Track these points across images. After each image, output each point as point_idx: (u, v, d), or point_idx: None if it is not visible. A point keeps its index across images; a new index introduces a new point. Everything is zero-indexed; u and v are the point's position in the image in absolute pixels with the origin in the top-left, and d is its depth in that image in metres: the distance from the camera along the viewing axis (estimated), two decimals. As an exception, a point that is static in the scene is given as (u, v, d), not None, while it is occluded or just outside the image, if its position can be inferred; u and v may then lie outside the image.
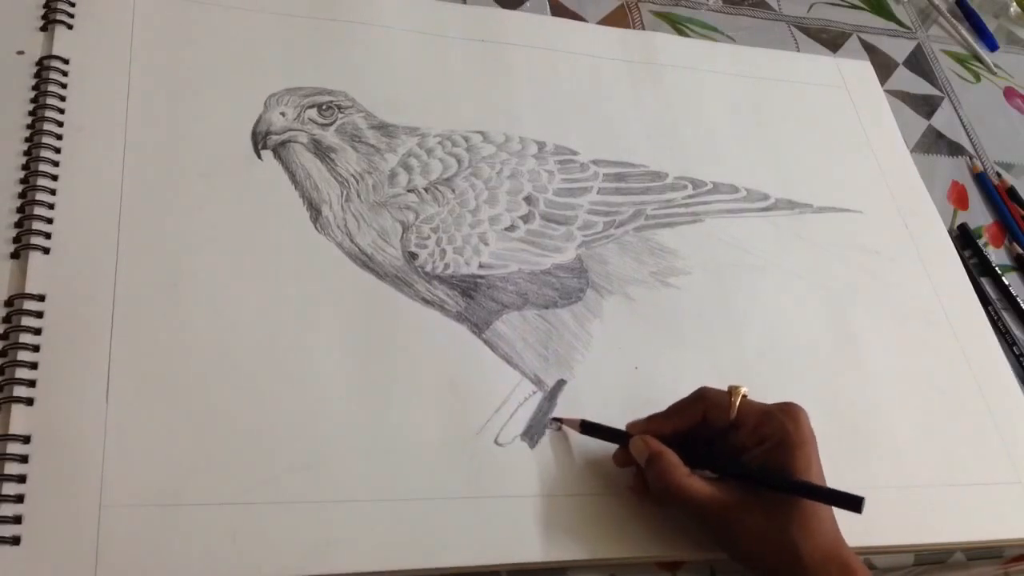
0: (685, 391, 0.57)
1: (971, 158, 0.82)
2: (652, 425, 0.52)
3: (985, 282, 0.73)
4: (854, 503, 0.47)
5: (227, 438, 0.48)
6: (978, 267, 0.75)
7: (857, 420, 0.60)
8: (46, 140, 0.54)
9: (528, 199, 0.63)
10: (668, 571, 0.52)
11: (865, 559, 0.53)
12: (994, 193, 0.80)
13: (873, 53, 0.87)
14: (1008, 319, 0.72)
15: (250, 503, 0.47)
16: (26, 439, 0.45)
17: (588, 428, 0.53)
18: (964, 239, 0.76)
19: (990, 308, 0.71)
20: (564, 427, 0.54)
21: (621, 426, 0.53)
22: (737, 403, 0.50)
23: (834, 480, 0.49)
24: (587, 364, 0.57)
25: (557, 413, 0.54)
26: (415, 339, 0.55)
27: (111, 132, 0.56)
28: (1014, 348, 0.69)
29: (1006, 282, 0.74)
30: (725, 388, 0.51)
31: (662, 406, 0.55)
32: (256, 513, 0.46)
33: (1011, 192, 0.80)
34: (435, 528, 0.49)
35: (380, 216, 0.59)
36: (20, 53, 0.57)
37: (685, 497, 0.48)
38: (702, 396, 0.52)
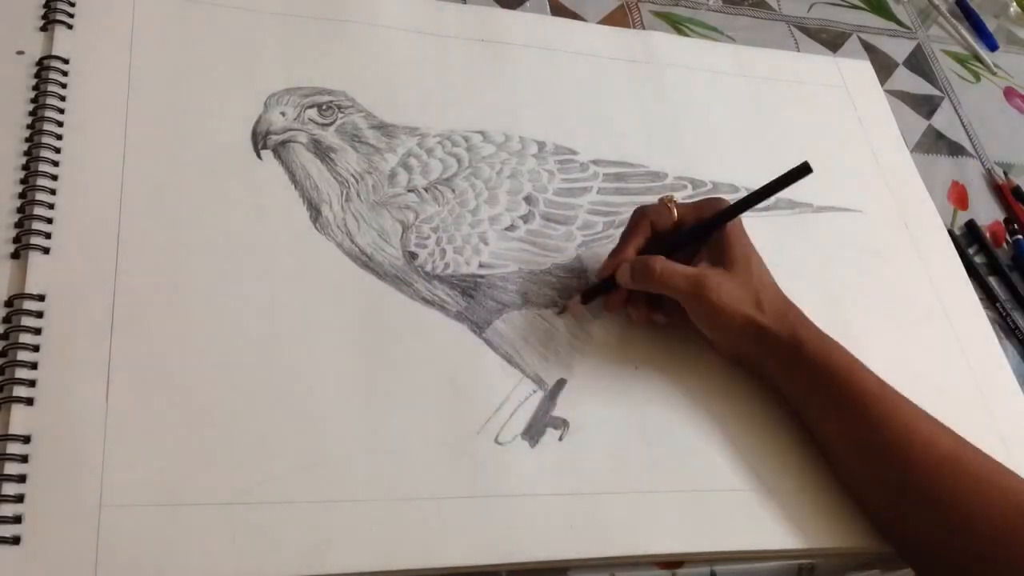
0: (685, 391, 0.57)
1: (985, 165, 0.82)
2: (618, 256, 0.57)
3: (992, 281, 0.74)
4: (802, 170, 0.55)
5: (227, 438, 0.48)
6: (984, 266, 0.75)
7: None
8: (46, 140, 0.54)
9: (528, 199, 0.63)
10: (668, 571, 0.52)
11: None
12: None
13: (873, 53, 0.87)
14: (1017, 317, 0.72)
15: (250, 503, 0.47)
16: (26, 439, 0.45)
17: (585, 296, 0.58)
18: (972, 236, 0.76)
19: (998, 305, 0.71)
20: (569, 310, 0.58)
21: (621, 426, 0.53)
22: (673, 206, 0.58)
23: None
24: (587, 364, 0.57)
25: (557, 413, 0.54)
26: (415, 339, 0.55)
27: (111, 132, 0.56)
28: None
29: (1014, 281, 0.74)
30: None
31: (662, 406, 0.55)
32: (256, 513, 0.46)
33: (1016, 191, 0.81)
34: (435, 528, 0.49)
35: (380, 216, 0.59)
36: (20, 53, 0.57)
37: (671, 275, 0.55)
38: (643, 212, 0.59)
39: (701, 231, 0.58)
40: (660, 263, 0.55)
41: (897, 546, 0.54)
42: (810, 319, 0.57)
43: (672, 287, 0.55)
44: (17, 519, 0.43)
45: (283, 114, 0.60)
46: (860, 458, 0.55)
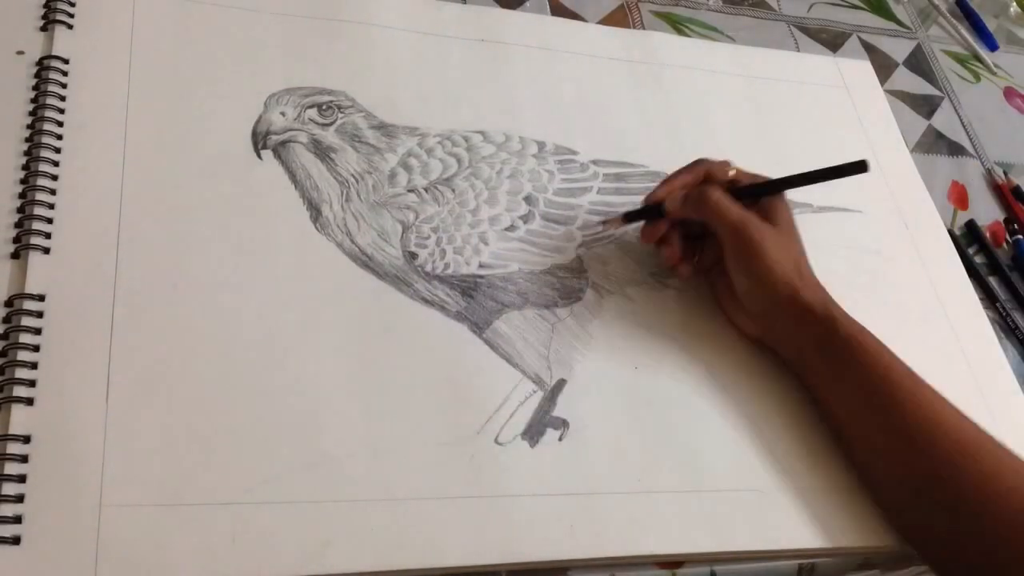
0: (685, 391, 0.57)
1: (985, 165, 0.82)
2: (671, 182, 0.59)
3: (992, 281, 0.74)
4: (860, 166, 0.56)
5: (227, 438, 0.48)
6: (984, 266, 0.75)
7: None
8: (46, 140, 0.54)
9: (528, 199, 0.63)
10: (668, 571, 0.52)
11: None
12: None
13: (873, 53, 0.87)
14: (1017, 317, 0.72)
15: (250, 503, 0.47)
16: (26, 439, 0.45)
17: (628, 217, 0.60)
18: (972, 236, 0.76)
19: (998, 305, 0.72)
20: (609, 226, 0.61)
21: (621, 426, 0.53)
22: (731, 167, 0.59)
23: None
24: (587, 364, 0.57)
25: (557, 413, 0.54)
26: (415, 339, 0.55)
27: (111, 132, 0.56)
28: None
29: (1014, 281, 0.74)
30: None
31: (662, 406, 0.55)
32: (256, 513, 0.46)
33: (1016, 191, 0.81)
34: (435, 528, 0.49)
35: (380, 216, 0.59)
36: (20, 53, 0.57)
37: (724, 207, 0.56)
38: (702, 160, 0.60)
39: (751, 192, 0.59)
40: (718, 192, 0.56)
41: (912, 537, 0.54)
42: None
43: (723, 216, 0.56)
44: (17, 519, 0.43)
45: (283, 114, 0.60)
46: (884, 442, 0.54)
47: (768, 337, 0.59)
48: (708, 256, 0.61)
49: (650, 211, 0.60)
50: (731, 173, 0.59)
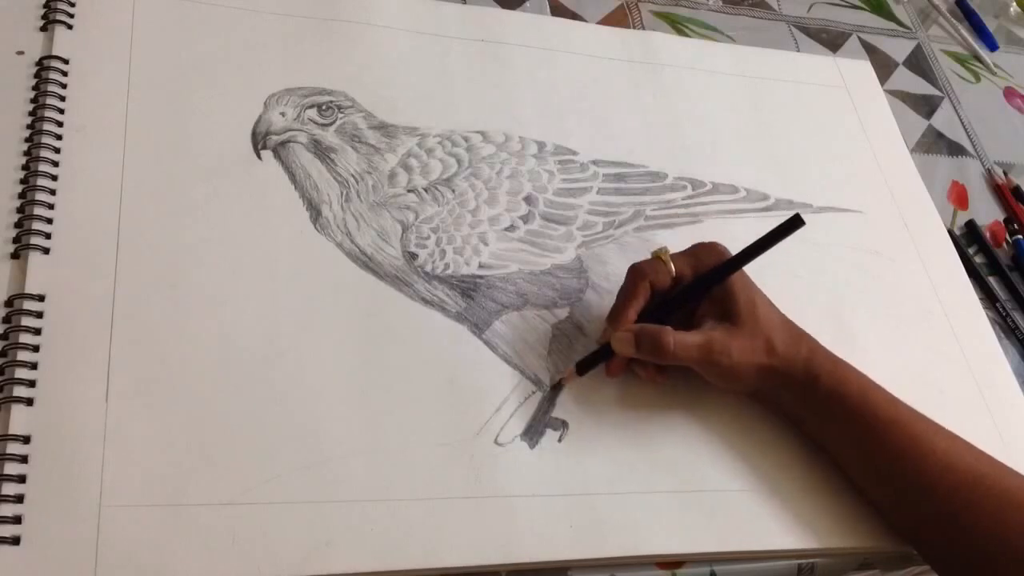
0: (684, 391, 0.57)
1: (985, 165, 0.82)
2: (619, 320, 0.55)
3: (992, 281, 0.74)
4: (795, 222, 0.54)
5: (227, 438, 0.48)
6: (984, 266, 0.75)
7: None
8: (46, 140, 0.54)
9: (528, 199, 0.63)
10: (668, 571, 0.52)
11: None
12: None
13: (873, 53, 0.87)
14: (1017, 317, 0.72)
15: (250, 503, 0.47)
16: (26, 439, 0.45)
17: (581, 367, 0.55)
18: (972, 236, 0.76)
19: (998, 305, 0.72)
20: (565, 384, 0.55)
21: (620, 426, 0.53)
22: (669, 260, 0.56)
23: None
24: (587, 364, 0.57)
25: (557, 413, 0.54)
26: (415, 339, 0.55)
27: (111, 132, 0.56)
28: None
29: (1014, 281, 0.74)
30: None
31: (662, 406, 0.55)
32: (256, 513, 0.46)
33: (1016, 191, 0.80)
34: (435, 528, 0.49)
35: (380, 216, 0.59)
36: (20, 53, 0.57)
37: (683, 347, 0.53)
38: (640, 271, 0.56)
39: (700, 290, 0.56)
40: (671, 337, 0.53)
41: (929, 563, 0.54)
42: (821, 345, 0.56)
43: (684, 359, 0.54)
44: (17, 519, 0.43)
45: (283, 114, 0.60)
46: (880, 485, 0.55)
47: (757, 399, 0.58)
48: None
49: (604, 352, 0.55)
50: (672, 270, 0.56)
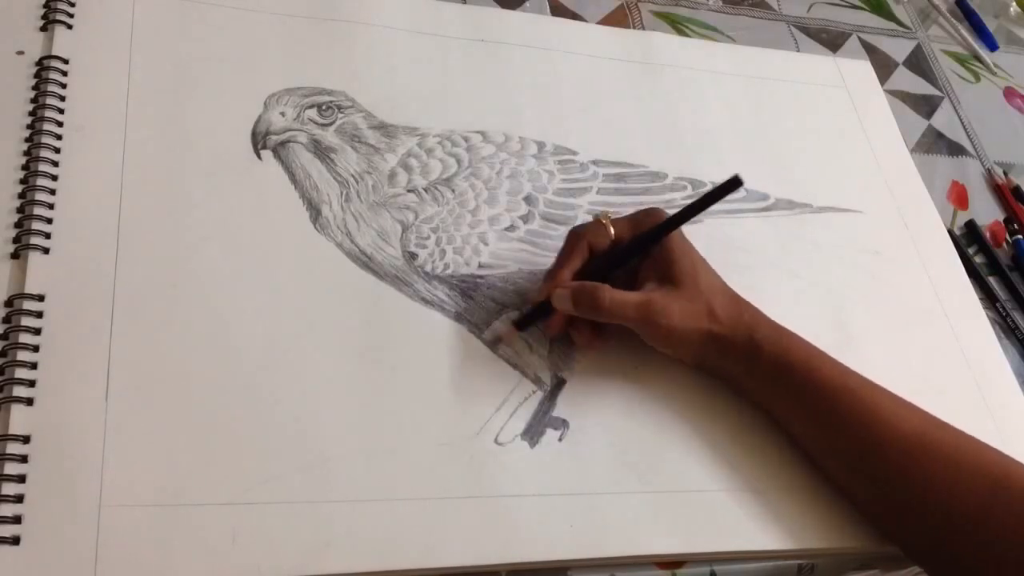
0: (684, 391, 0.57)
1: (984, 165, 0.82)
2: (556, 278, 0.55)
3: (992, 281, 0.74)
4: (734, 183, 0.54)
5: (227, 438, 0.48)
6: (984, 266, 0.75)
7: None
8: (46, 140, 0.54)
9: (528, 199, 0.63)
10: (668, 571, 0.52)
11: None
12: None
13: (873, 53, 0.87)
14: (1017, 317, 0.72)
15: (250, 503, 0.47)
16: (26, 439, 0.45)
17: (520, 324, 0.56)
18: (972, 236, 0.76)
19: (998, 305, 0.72)
20: (503, 340, 0.56)
21: (620, 426, 0.53)
22: (609, 223, 0.56)
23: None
24: (587, 364, 0.57)
25: (557, 413, 0.55)
26: (415, 339, 0.55)
27: (111, 132, 0.56)
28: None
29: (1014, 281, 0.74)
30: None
31: (661, 406, 0.55)
32: (256, 513, 0.46)
33: (1016, 191, 0.81)
34: (435, 528, 0.49)
35: (380, 216, 0.59)
36: (20, 53, 0.57)
37: (619, 304, 0.53)
38: (579, 233, 0.56)
39: (637, 248, 0.56)
40: (607, 293, 0.53)
41: (891, 539, 0.54)
42: (765, 315, 0.56)
43: (621, 317, 0.54)
44: (17, 519, 0.43)
45: (283, 114, 0.60)
46: (830, 452, 0.55)
47: (703, 369, 0.57)
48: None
49: (542, 309, 0.55)
50: (611, 232, 0.56)
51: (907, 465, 0.52)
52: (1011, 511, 0.50)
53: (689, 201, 0.56)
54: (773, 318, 0.56)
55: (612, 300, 0.53)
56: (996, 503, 0.50)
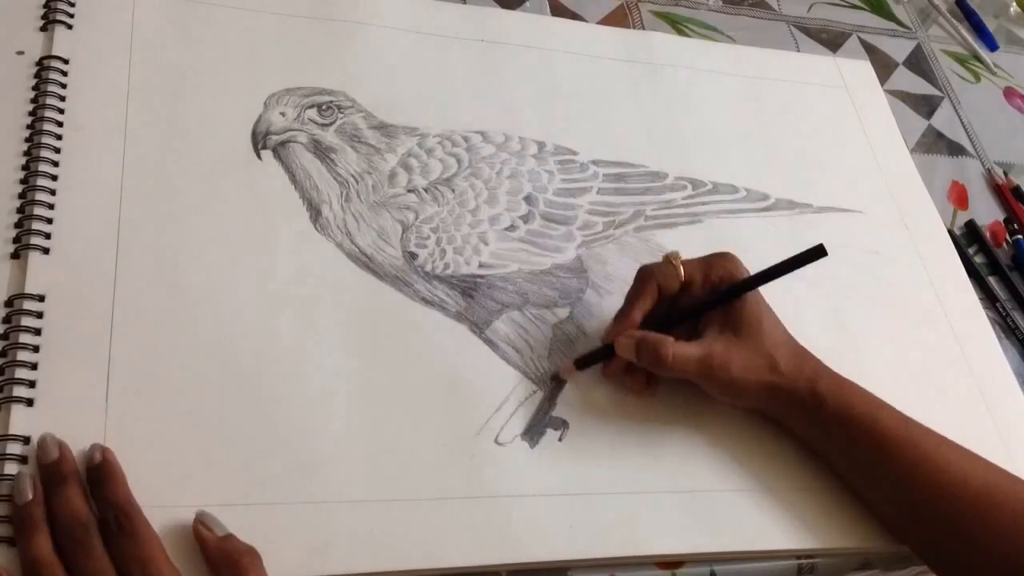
0: (684, 391, 0.57)
1: (985, 165, 0.82)
2: (625, 322, 0.55)
3: (992, 281, 0.74)
4: (818, 252, 0.54)
5: (226, 439, 0.48)
6: (984, 266, 0.75)
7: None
8: (46, 140, 0.54)
9: (528, 199, 0.63)
10: (668, 571, 0.52)
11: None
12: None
13: (873, 53, 0.87)
14: (1017, 317, 0.72)
15: (250, 504, 0.47)
16: (26, 439, 0.45)
17: (580, 363, 0.55)
18: (972, 236, 0.76)
19: (998, 305, 0.72)
20: (563, 375, 0.56)
21: (621, 426, 0.53)
22: (679, 264, 0.55)
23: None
24: (587, 364, 0.57)
25: (557, 413, 0.55)
26: (415, 339, 0.55)
27: (111, 132, 0.56)
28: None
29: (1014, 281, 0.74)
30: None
31: (661, 406, 0.55)
32: (256, 514, 0.46)
33: (1016, 191, 0.80)
34: (435, 528, 0.49)
35: (380, 216, 0.59)
36: (20, 53, 0.57)
37: (681, 360, 0.53)
38: (649, 273, 0.56)
39: (711, 305, 0.55)
40: (671, 348, 0.53)
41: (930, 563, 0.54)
42: (827, 366, 0.55)
43: (682, 372, 0.53)
44: (17, 519, 0.43)
45: (283, 114, 0.60)
46: (893, 506, 0.54)
47: (762, 414, 0.57)
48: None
49: (605, 351, 0.55)
50: (681, 275, 0.55)
51: (970, 517, 0.51)
52: None
53: (687, 205, 0.56)
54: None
55: (675, 356, 0.53)
56: None
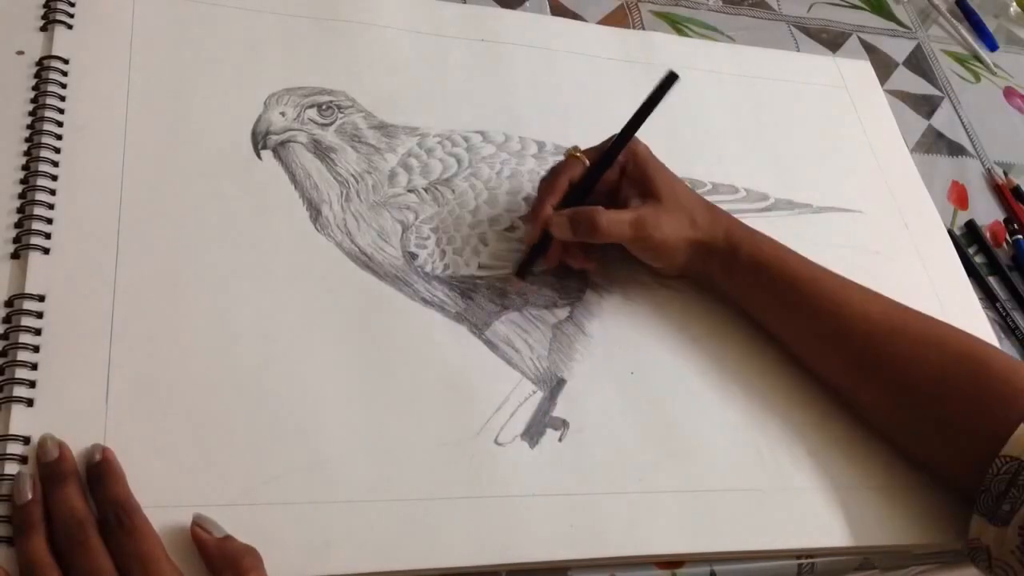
0: (684, 391, 0.57)
1: (985, 165, 0.82)
2: (539, 213, 0.58)
3: (992, 281, 0.74)
4: (670, 79, 0.58)
5: (227, 438, 0.48)
6: (984, 266, 0.75)
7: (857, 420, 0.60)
8: (46, 140, 0.54)
9: (528, 199, 0.63)
10: (668, 571, 0.52)
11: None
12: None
13: (873, 53, 0.87)
14: (1017, 317, 0.72)
15: (250, 504, 0.47)
16: (26, 439, 0.45)
17: (520, 271, 0.59)
18: (972, 236, 0.76)
19: (998, 305, 0.72)
20: (512, 289, 0.58)
21: (620, 426, 0.52)
22: (582, 156, 0.59)
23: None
24: (587, 364, 0.57)
25: (557, 413, 0.55)
26: (415, 339, 0.55)
27: (111, 132, 0.56)
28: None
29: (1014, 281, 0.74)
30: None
31: (661, 406, 0.55)
32: (256, 514, 0.46)
33: (1016, 191, 0.80)
34: (435, 528, 0.49)
35: (380, 216, 0.59)
36: (20, 53, 0.57)
37: (616, 224, 0.57)
38: (554, 169, 0.59)
39: (607, 162, 0.59)
40: (603, 215, 0.56)
41: (865, 412, 0.58)
42: (739, 220, 0.60)
43: (618, 235, 0.57)
44: (17, 519, 0.43)
45: (283, 114, 0.60)
46: (803, 338, 0.59)
47: (686, 278, 0.61)
48: None
49: (540, 248, 0.58)
50: (586, 162, 0.59)
51: (873, 343, 0.56)
52: (967, 381, 0.54)
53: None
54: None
55: (608, 220, 0.56)
56: (956, 373, 0.54)
